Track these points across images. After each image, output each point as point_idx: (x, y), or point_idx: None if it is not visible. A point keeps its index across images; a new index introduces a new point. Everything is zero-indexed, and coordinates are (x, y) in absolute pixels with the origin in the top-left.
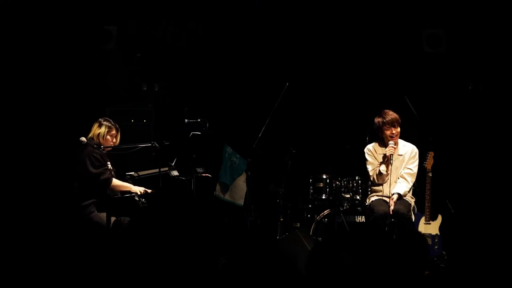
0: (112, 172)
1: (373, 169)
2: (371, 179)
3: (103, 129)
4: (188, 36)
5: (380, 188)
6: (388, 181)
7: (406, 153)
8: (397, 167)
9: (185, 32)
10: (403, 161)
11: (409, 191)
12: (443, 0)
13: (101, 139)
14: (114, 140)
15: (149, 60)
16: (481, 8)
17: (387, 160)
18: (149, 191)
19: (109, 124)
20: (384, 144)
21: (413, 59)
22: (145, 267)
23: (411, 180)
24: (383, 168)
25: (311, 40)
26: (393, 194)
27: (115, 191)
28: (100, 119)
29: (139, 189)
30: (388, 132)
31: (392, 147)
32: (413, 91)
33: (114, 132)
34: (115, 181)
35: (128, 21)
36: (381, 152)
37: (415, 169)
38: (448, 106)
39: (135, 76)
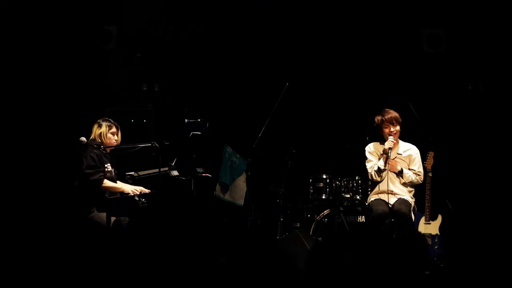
0: (112, 174)
1: (371, 166)
2: (369, 176)
3: (103, 128)
4: (188, 36)
5: (378, 188)
6: (386, 179)
7: (406, 152)
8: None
9: (185, 32)
10: (403, 160)
11: (410, 182)
12: (443, 0)
13: (103, 138)
14: (116, 137)
15: (149, 60)
16: (481, 8)
17: (385, 155)
18: (147, 190)
19: (108, 123)
20: (384, 142)
21: (413, 59)
22: (145, 267)
23: (417, 177)
24: (381, 163)
25: (311, 40)
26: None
27: (110, 192)
28: (98, 120)
29: (132, 189)
30: (386, 130)
31: (391, 141)
32: (413, 91)
33: (114, 129)
34: (107, 182)
35: (128, 21)
36: (381, 151)
37: (421, 168)
38: (448, 106)
39: (135, 76)
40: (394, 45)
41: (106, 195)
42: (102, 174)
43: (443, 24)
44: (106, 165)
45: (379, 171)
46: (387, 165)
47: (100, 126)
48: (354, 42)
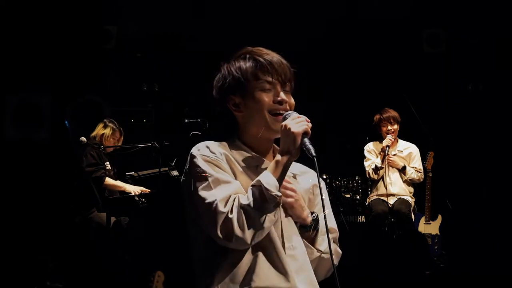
0: (111, 172)
1: (369, 164)
2: (367, 175)
3: (107, 131)
4: (188, 36)
5: (378, 188)
6: (385, 179)
7: (406, 150)
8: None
9: (187, 32)
10: (402, 159)
11: (411, 180)
12: (443, 0)
13: (104, 140)
14: (117, 143)
15: (149, 60)
16: (481, 8)
17: (383, 152)
18: (147, 190)
19: (114, 127)
20: (382, 141)
21: (413, 59)
22: (145, 267)
23: (418, 174)
24: (378, 161)
25: (311, 40)
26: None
27: (111, 190)
28: (105, 120)
29: (133, 189)
30: (384, 129)
31: (389, 139)
32: (413, 91)
33: (118, 135)
34: (109, 180)
35: (128, 21)
36: (380, 149)
37: (421, 166)
38: (448, 106)
39: (135, 76)
40: (394, 44)
41: (106, 194)
42: (103, 171)
43: (443, 24)
44: (105, 163)
45: (376, 169)
46: (385, 162)
47: (105, 127)
48: (354, 42)
